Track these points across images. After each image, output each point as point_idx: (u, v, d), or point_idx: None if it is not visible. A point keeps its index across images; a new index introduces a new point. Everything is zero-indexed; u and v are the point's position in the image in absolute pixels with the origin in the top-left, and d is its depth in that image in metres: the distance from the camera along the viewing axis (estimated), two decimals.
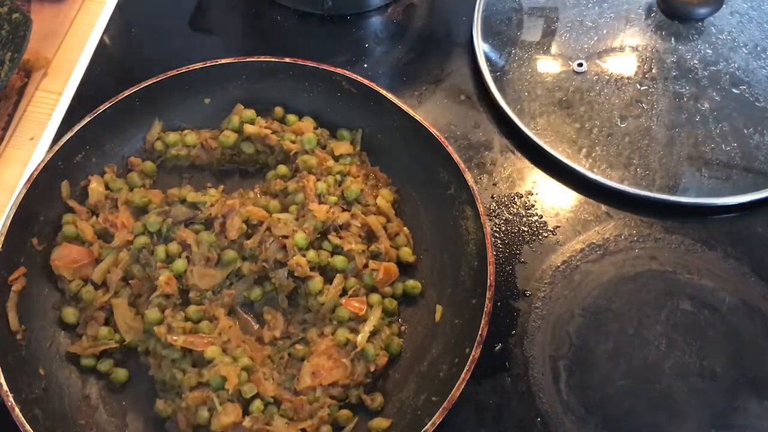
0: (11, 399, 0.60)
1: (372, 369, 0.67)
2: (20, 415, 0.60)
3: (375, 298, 0.71)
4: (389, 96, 0.76)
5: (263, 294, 0.71)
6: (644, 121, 0.83)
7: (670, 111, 0.83)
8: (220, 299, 0.70)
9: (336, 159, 0.78)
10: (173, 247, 0.71)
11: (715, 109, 0.83)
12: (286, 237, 0.70)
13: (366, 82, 0.77)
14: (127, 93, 0.75)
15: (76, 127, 0.73)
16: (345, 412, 0.67)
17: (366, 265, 0.72)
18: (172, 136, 0.78)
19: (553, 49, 0.88)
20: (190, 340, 0.66)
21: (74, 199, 0.74)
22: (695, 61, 0.86)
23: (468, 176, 0.72)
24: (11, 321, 0.66)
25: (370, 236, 0.74)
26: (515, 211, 0.79)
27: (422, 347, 0.70)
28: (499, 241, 0.77)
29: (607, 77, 0.85)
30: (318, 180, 0.75)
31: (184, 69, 0.77)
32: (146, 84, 0.76)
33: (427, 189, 0.76)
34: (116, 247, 0.72)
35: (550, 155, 0.80)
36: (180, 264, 0.70)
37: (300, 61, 0.78)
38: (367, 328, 0.68)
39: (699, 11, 0.86)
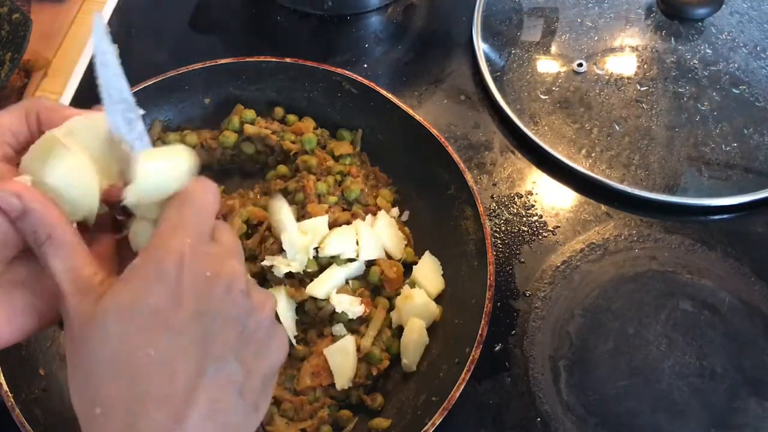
0: (11, 399, 0.60)
1: (374, 372, 0.67)
2: (20, 415, 0.60)
3: (382, 301, 0.71)
4: (389, 96, 0.76)
5: None
6: (644, 121, 0.83)
7: (670, 111, 0.83)
8: None
9: (336, 159, 0.78)
10: None
11: (715, 109, 0.83)
12: None
13: (366, 82, 0.77)
14: None
15: None
16: (345, 412, 0.67)
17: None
18: (171, 137, 0.78)
19: (553, 49, 0.88)
20: None
21: None
22: (695, 61, 0.86)
23: (468, 176, 0.72)
24: None
25: None
26: (515, 211, 0.79)
27: None
28: (499, 241, 0.77)
29: (607, 77, 0.86)
30: (318, 180, 0.75)
31: (184, 69, 0.77)
32: (146, 84, 0.76)
33: (427, 189, 0.76)
34: None
35: (550, 155, 0.80)
36: None
37: (300, 61, 0.78)
38: (371, 332, 0.68)
39: (699, 11, 0.86)
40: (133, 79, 0.77)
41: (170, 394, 0.38)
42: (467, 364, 0.62)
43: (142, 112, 0.44)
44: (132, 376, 0.38)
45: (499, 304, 0.73)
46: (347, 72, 0.78)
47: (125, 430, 0.37)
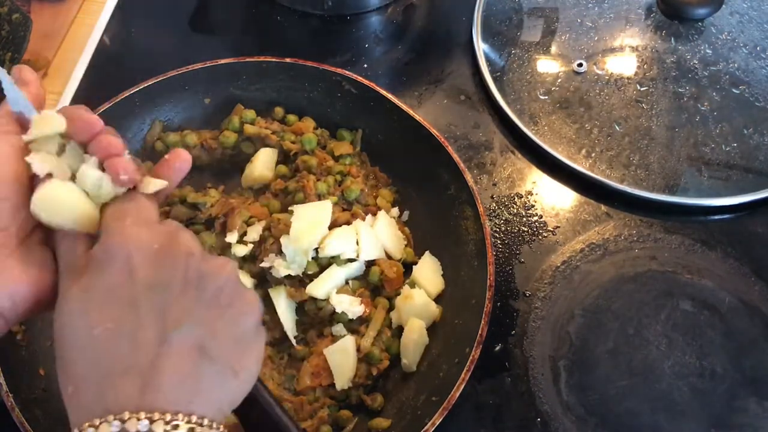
0: (11, 399, 0.60)
1: (374, 372, 0.67)
2: (20, 415, 0.60)
3: (382, 301, 0.71)
4: (389, 96, 0.76)
5: (263, 294, 0.71)
6: (644, 121, 0.83)
7: (670, 111, 0.83)
8: None
9: (336, 159, 0.78)
10: None
11: (715, 109, 0.83)
12: None
13: (366, 82, 0.77)
14: (127, 93, 0.75)
15: None
16: (345, 412, 0.67)
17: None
18: (172, 137, 0.78)
19: (553, 49, 0.88)
20: None
21: None
22: (695, 61, 0.86)
23: (468, 176, 0.72)
24: None
25: None
26: (515, 211, 0.79)
27: None
28: (499, 241, 0.77)
29: (607, 77, 0.86)
30: (318, 180, 0.75)
31: (184, 69, 0.77)
32: (146, 84, 0.76)
33: (427, 189, 0.76)
34: None
35: (550, 155, 0.80)
36: None
37: (300, 61, 0.78)
38: (371, 333, 0.68)
39: (699, 11, 0.86)
40: (133, 79, 0.77)
41: (134, 364, 0.39)
42: (467, 364, 0.63)
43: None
44: (95, 352, 0.40)
45: (499, 304, 0.73)
46: (347, 72, 0.78)
47: (95, 404, 0.39)
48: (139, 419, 0.37)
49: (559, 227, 0.78)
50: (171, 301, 0.41)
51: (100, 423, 0.37)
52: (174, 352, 0.40)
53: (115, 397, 0.38)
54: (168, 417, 0.38)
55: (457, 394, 0.61)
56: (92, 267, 0.42)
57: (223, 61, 0.78)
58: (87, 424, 0.38)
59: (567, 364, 0.70)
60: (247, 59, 0.79)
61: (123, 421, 0.37)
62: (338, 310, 0.68)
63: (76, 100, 0.86)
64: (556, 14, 0.91)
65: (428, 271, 0.72)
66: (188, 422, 0.38)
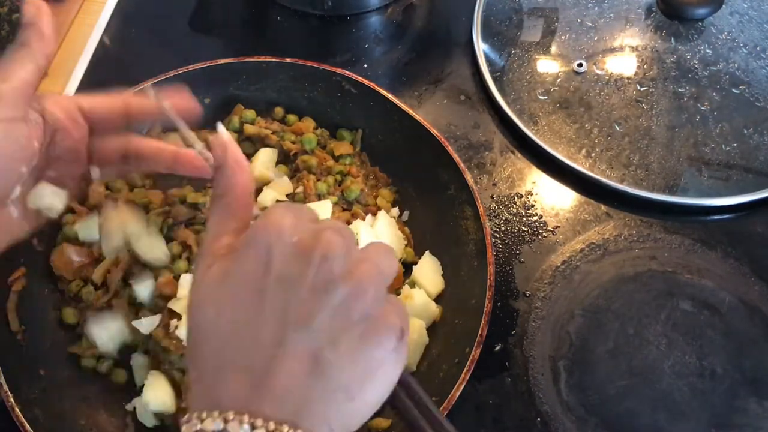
0: (11, 399, 0.60)
1: None
2: (20, 415, 0.60)
3: None
4: (389, 96, 0.76)
5: None
6: (644, 121, 0.83)
7: (670, 111, 0.83)
8: None
9: (336, 159, 0.78)
10: (174, 247, 0.71)
11: (715, 109, 0.83)
12: None
13: (366, 82, 0.77)
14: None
15: None
16: None
17: None
18: (172, 136, 0.78)
19: (553, 49, 0.88)
20: None
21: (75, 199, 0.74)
22: (695, 61, 0.86)
23: (468, 176, 0.72)
24: (11, 321, 0.66)
25: None
26: (515, 211, 0.79)
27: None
28: (499, 241, 0.77)
29: (607, 77, 0.86)
30: (318, 180, 0.75)
31: (184, 69, 0.77)
32: (146, 84, 0.76)
33: (427, 189, 0.76)
34: (117, 248, 0.72)
35: (550, 155, 0.80)
36: (181, 264, 0.70)
37: (300, 61, 0.78)
38: None
39: (699, 11, 0.86)
40: (133, 79, 0.77)
41: (249, 361, 0.38)
42: (467, 364, 0.62)
43: None
44: (218, 342, 0.39)
45: (499, 304, 0.73)
46: (347, 72, 0.78)
47: (208, 396, 0.38)
48: (241, 422, 0.36)
49: (559, 227, 0.78)
50: (297, 299, 0.38)
51: (206, 417, 0.36)
52: (289, 356, 0.37)
53: (225, 392, 0.37)
54: (272, 426, 0.36)
55: (457, 394, 0.61)
56: (233, 253, 0.41)
57: (223, 61, 0.78)
58: (195, 414, 0.37)
59: (567, 364, 0.70)
60: (247, 59, 0.79)
61: (226, 421, 0.36)
62: None
63: None
64: (556, 14, 0.91)
65: (428, 271, 0.72)
66: None
